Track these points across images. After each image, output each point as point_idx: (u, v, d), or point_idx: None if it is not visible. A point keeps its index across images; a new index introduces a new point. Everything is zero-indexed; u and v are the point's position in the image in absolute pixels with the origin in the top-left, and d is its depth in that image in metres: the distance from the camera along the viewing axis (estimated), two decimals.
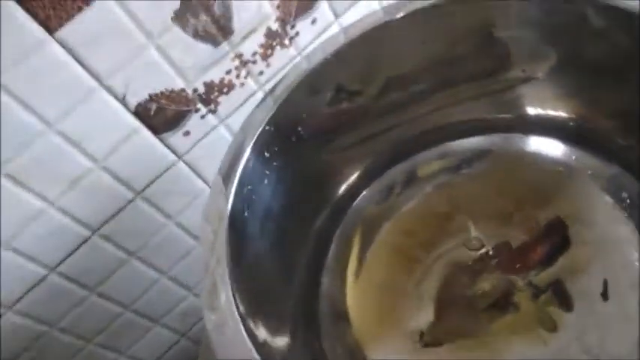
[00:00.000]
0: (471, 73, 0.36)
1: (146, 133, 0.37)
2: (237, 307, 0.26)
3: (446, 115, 0.38)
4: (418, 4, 0.33)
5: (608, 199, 0.33)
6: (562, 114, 0.36)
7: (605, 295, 0.30)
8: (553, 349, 0.29)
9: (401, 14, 0.33)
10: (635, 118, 0.31)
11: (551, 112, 0.36)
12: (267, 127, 0.32)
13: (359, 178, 0.39)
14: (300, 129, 0.34)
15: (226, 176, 0.31)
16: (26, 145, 0.32)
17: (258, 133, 0.32)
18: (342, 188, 0.38)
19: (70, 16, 0.30)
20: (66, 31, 0.30)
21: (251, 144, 0.31)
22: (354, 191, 0.38)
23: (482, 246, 0.35)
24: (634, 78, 0.30)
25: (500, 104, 0.37)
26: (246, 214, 0.31)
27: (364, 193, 0.38)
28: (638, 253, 0.31)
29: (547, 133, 0.36)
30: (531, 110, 0.37)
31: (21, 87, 0.30)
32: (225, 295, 0.26)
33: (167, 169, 0.40)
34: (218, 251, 0.28)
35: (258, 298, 0.31)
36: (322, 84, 0.34)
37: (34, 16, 0.29)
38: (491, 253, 0.34)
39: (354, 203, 0.38)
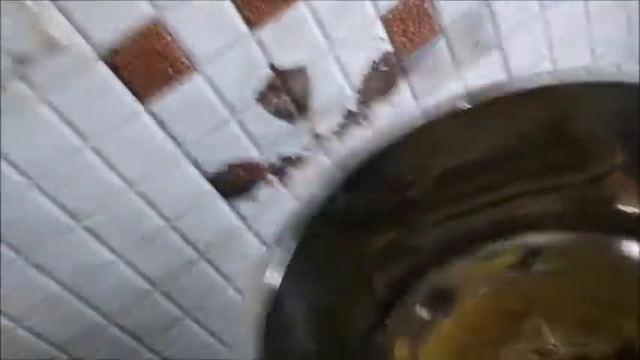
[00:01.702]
0: (543, 166, 0.36)
1: (218, 199, 0.41)
2: None
3: (514, 208, 0.38)
4: (502, 91, 0.34)
5: None
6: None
7: None
8: None
9: (474, 103, 0.34)
10: None
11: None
12: (328, 205, 0.34)
13: (410, 271, 0.39)
14: (358, 211, 0.36)
15: (275, 247, 0.32)
16: (109, 202, 0.37)
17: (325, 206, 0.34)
18: (393, 281, 0.39)
19: (161, 90, 0.35)
20: (156, 103, 0.35)
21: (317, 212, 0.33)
22: (404, 287, 0.39)
23: (557, 354, 0.34)
24: None
25: (578, 199, 0.37)
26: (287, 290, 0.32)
27: (417, 288, 0.39)
28: None
29: (636, 235, 0.35)
30: (617, 207, 0.36)
31: (111, 150, 0.35)
32: None
33: (232, 233, 0.43)
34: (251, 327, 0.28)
35: None
36: (385, 168, 0.35)
37: (130, 87, 0.34)
38: None
39: (406, 299, 0.39)
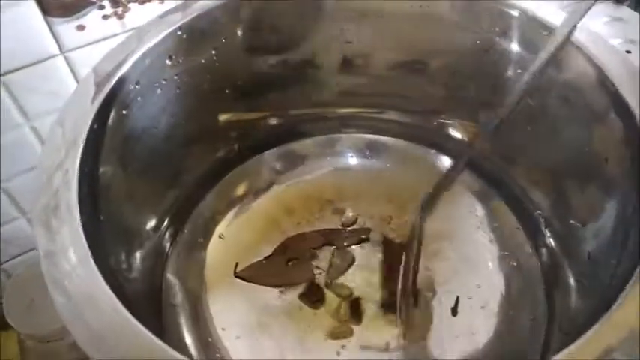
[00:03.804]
0: None
1: (34, 10, 0.36)
2: (86, 230, 0.24)
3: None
4: None
5: (481, 221, 0.38)
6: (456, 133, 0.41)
7: (454, 311, 0.34)
8: None
9: None
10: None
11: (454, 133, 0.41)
12: (178, 33, 0.33)
13: (265, 136, 0.42)
14: (213, 49, 0.35)
15: (110, 70, 0.31)
16: None
17: (165, 34, 0.32)
18: (244, 137, 0.40)
19: None
20: None
21: (154, 43, 0.32)
22: (255, 146, 0.41)
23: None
24: None
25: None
26: (124, 112, 0.31)
27: (265, 155, 0.42)
28: (498, 274, 0.35)
29: (443, 149, 0.41)
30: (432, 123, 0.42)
31: None
32: (71, 212, 0.25)
33: (43, 59, 0.38)
34: (70, 153, 0.27)
35: (114, 218, 0.30)
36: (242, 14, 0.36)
37: None
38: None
39: (258, 156, 0.42)
